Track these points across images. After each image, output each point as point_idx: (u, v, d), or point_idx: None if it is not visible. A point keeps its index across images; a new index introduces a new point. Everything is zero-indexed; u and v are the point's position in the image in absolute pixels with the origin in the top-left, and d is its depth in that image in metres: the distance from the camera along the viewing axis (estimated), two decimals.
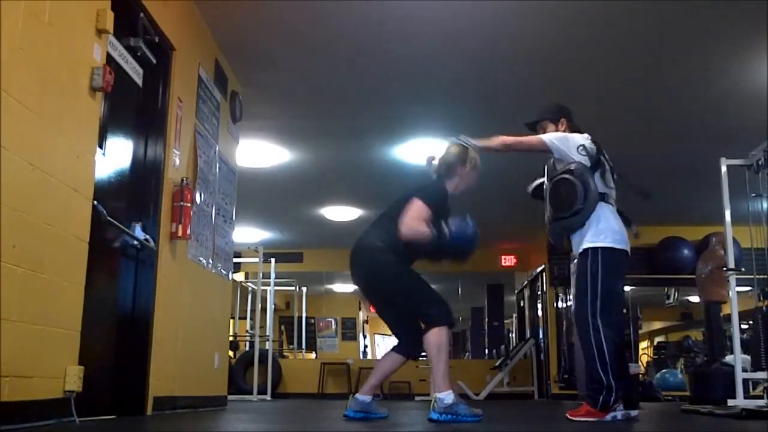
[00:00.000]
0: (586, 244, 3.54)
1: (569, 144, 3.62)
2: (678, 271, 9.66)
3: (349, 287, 15.09)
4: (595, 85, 5.64)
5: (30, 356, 2.51)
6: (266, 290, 9.73)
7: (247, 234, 10.67)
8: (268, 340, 9.03)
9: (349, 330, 14.96)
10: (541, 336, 10.98)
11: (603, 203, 3.59)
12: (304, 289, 13.37)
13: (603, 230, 3.54)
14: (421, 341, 3.43)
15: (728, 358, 6.82)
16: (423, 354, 3.53)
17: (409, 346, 3.59)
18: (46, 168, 2.61)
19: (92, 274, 2.98)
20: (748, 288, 6.42)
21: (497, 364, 10.75)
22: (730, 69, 5.36)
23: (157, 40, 3.82)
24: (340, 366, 11.55)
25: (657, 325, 15.30)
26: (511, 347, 12.26)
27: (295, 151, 7.30)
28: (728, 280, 5.61)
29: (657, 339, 15.25)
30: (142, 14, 3.62)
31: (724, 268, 5.84)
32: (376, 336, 16.19)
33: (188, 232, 4.10)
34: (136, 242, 3.68)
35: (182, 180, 4.12)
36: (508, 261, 12.11)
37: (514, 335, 14.58)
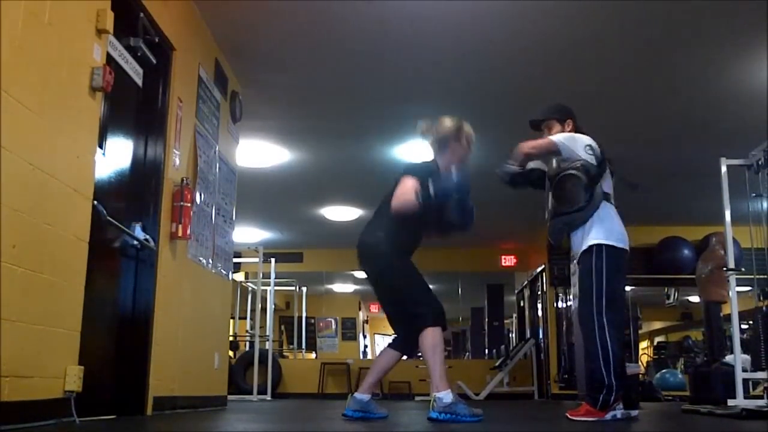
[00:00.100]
0: (592, 241, 3.53)
1: (577, 144, 3.64)
2: (678, 271, 9.66)
3: (349, 287, 15.10)
4: (595, 85, 5.64)
5: (30, 356, 2.51)
6: (266, 290, 9.73)
7: (247, 234, 10.68)
8: (268, 340, 9.03)
9: (349, 330, 14.96)
10: (541, 336, 10.97)
11: (606, 203, 3.61)
12: (304, 289, 13.37)
13: (608, 228, 3.56)
14: (413, 340, 3.47)
15: (728, 358, 6.82)
16: (420, 354, 3.53)
17: (406, 344, 3.60)
18: (46, 168, 2.61)
19: (92, 274, 2.98)
20: (748, 288, 6.42)
21: (497, 364, 10.75)
22: (730, 69, 5.36)
23: (157, 40, 3.82)
24: (340, 366, 11.55)
25: (657, 325, 15.31)
26: (511, 347, 12.26)
27: (295, 151, 7.30)
28: (728, 280, 5.61)
29: (657, 339, 15.25)
30: (142, 14, 3.62)
31: (724, 268, 5.84)
32: (376, 336, 16.21)
33: (188, 232, 4.10)
34: (136, 242, 3.68)
35: (182, 180, 4.12)
36: (508, 261, 12.11)
37: (514, 335, 14.57)
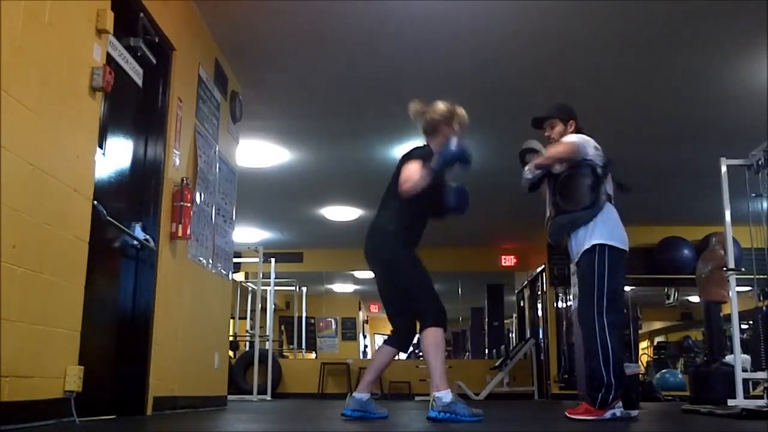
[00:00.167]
0: (595, 241, 3.54)
1: (588, 144, 3.66)
2: (678, 271, 9.66)
3: (349, 287, 15.09)
4: (594, 85, 5.63)
5: (30, 356, 2.51)
6: (266, 290, 9.73)
7: (247, 234, 10.68)
8: (268, 340, 9.03)
9: (349, 330, 14.96)
10: (541, 336, 10.98)
11: (609, 204, 3.62)
12: (304, 289, 13.38)
13: (611, 229, 3.57)
14: (411, 335, 3.56)
15: (728, 358, 6.82)
16: (420, 354, 3.55)
17: (402, 339, 3.62)
18: (46, 168, 2.61)
19: (92, 274, 2.98)
20: (748, 288, 6.42)
21: (497, 364, 10.75)
22: (731, 69, 5.36)
23: (157, 40, 3.82)
24: (340, 366, 11.55)
25: (657, 325, 15.31)
26: (511, 347, 12.25)
27: (295, 151, 7.30)
28: (728, 280, 5.61)
29: (657, 339, 15.25)
30: (142, 14, 3.62)
31: (724, 268, 5.85)
32: (376, 336, 16.20)
33: (188, 232, 4.10)
34: (136, 242, 3.68)
35: (182, 180, 4.12)
36: (508, 261, 12.11)
37: (514, 335, 14.58)
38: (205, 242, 4.67)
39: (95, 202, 3.05)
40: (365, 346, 15.41)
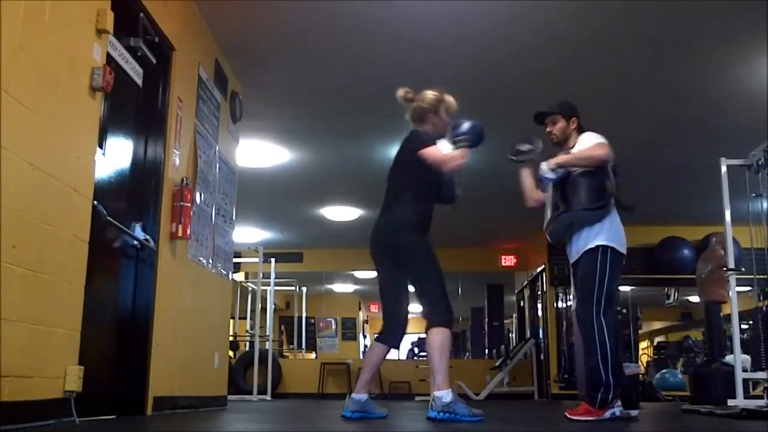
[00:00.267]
0: (600, 242, 3.53)
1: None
2: (678, 271, 9.66)
3: (349, 287, 15.10)
4: (594, 85, 5.64)
5: (30, 356, 2.51)
6: (266, 290, 9.73)
7: (247, 234, 10.68)
8: (268, 340, 9.03)
9: (349, 330, 14.96)
10: (541, 336, 10.97)
11: (614, 206, 3.62)
12: (304, 289, 13.38)
13: (616, 232, 3.58)
14: (404, 332, 3.59)
15: (728, 358, 6.82)
16: (423, 354, 3.56)
17: (392, 334, 3.62)
18: (46, 168, 2.61)
19: (92, 274, 2.98)
20: (748, 288, 6.42)
21: (497, 364, 10.75)
22: (730, 69, 5.36)
23: (157, 40, 3.82)
24: (340, 366, 11.55)
25: (657, 325, 15.31)
26: (511, 347, 12.26)
27: (295, 151, 7.30)
28: (728, 280, 5.61)
29: (657, 339, 15.25)
30: (142, 14, 3.63)
31: (724, 268, 5.85)
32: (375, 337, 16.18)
33: (188, 232, 4.10)
34: (136, 242, 3.68)
35: (182, 180, 4.12)
36: (508, 261, 12.11)
37: (514, 335, 14.57)
38: (205, 242, 4.67)
39: (95, 202, 3.05)
40: (365, 346, 15.41)
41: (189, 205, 4.11)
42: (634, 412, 3.73)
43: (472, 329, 15.39)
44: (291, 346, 13.95)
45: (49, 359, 2.65)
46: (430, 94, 3.66)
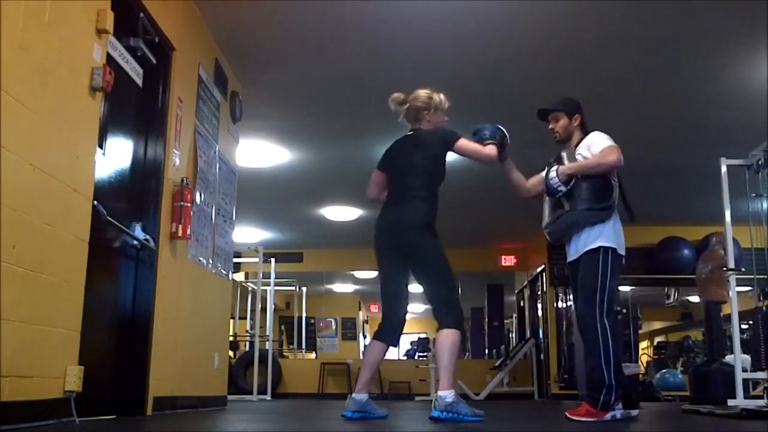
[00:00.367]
0: (600, 243, 3.53)
1: None
2: (678, 271, 9.66)
3: (349, 287, 15.10)
4: (594, 85, 5.63)
5: (30, 356, 2.51)
6: (266, 290, 9.73)
7: (247, 234, 10.68)
8: (268, 340, 9.03)
9: (349, 330, 14.96)
10: (541, 336, 10.97)
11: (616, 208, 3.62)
12: (304, 289, 13.38)
13: (617, 234, 3.58)
14: (401, 331, 3.61)
15: (728, 358, 6.82)
16: (423, 354, 3.56)
17: (391, 333, 3.62)
18: (46, 168, 2.61)
19: (92, 274, 2.98)
20: (748, 288, 6.42)
21: (497, 364, 10.75)
22: (730, 69, 5.36)
23: (157, 40, 3.82)
24: (340, 366, 11.55)
25: (657, 325, 15.31)
26: (511, 347, 12.26)
27: (295, 151, 7.30)
28: (728, 280, 5.61)
29: (657, 339, 15.25)
30: (142, 14, 3.62)
31: (724, 268, 5.84)
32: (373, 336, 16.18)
33: (188, 232, 4.10)
34: (136, 242, 3.68)
35: (182, 180, 4.12)
36: (508, 261, 12.12)
37: (514, 335, 14.58)
38: (205, 242, 4.67)
39: (95, 202, 3.05)
40: (365, 347, 15.41)
41: (189, 205, 4.11)
42: (634, 412, 3.73)
43: (472, 329, 15.40)
44: (291, 346, 13.96)
45: (49, 359, 2.65)
46: (423, 93, 3.73)
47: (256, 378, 8.49)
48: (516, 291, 13.29)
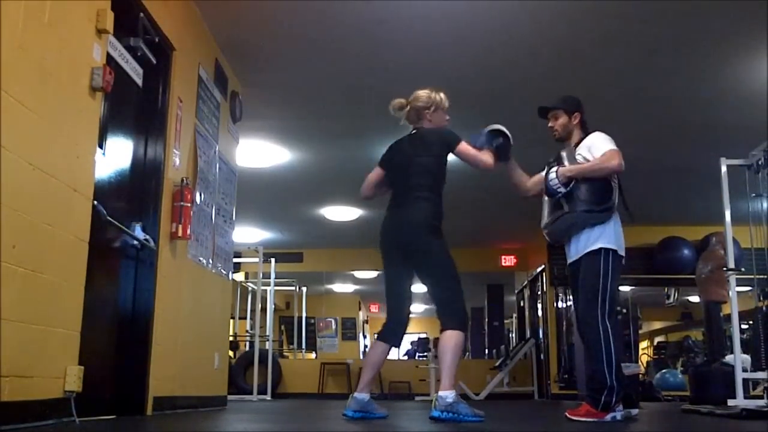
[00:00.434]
0: (601, 244, 3.52)
1: None
2: (678, 271, 9.65)
3: (349, 287, 15.10)
4: (594, 85, 5.63)
5: (30, 356, 2.51)
6: (266, 290, 9.73)
7: (247, 234, 10.68)
8: (268, 340, 9.03)
9: (349, 330, 14.97)
10: (541, 336, 10.97)
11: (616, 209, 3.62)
12: (304, 289, 13.38)
13: (618, 235, 3.58)
14: (404, 332, 3.62)
15: (728, 358, 6.82)
16: (423, 354, 3.57)
17: (395, 333, 3.63)
18: (46, 168, 2.61)
19: (92, 274, 2.98)
20: (748, 288, 6.42)
21: (497, 364, 10.75)
22: (730, 69, 5.36)
23: (157, 40, 3.82)
24: (340, 366, 11.56)
25: (657, 325, 15.31)
26: (511, 347, 12.26)
27: (295, 151, 7.30)
28: (728, 280, 5.61)
29: (657, 339, 15.25)
30: (142, 14, 3.62)
31: (724, 268, 5.84)
32: (376, 336, 16.19)
33: (188, 232, 4.10)
34: (136, 242, 3.68)
35: (182, 180, 4.12)
36: (508, 261, 12.12)
37: (514, 335, 14.59)
38: (205, 242, 4.67)
39: (95, 202, 3.05)
40: (365, 346, 15.41)
41: (189, 205, 4.11)
42: (634, 412, 3.74)
43: (472, 329, 15.38)
44: (291, 346, 13.96)
45: (49, 359, 2.65)
46: (423, 93, 3.76)
47: (256, 378, 8.49)
48: (516, 291, 13.29)
